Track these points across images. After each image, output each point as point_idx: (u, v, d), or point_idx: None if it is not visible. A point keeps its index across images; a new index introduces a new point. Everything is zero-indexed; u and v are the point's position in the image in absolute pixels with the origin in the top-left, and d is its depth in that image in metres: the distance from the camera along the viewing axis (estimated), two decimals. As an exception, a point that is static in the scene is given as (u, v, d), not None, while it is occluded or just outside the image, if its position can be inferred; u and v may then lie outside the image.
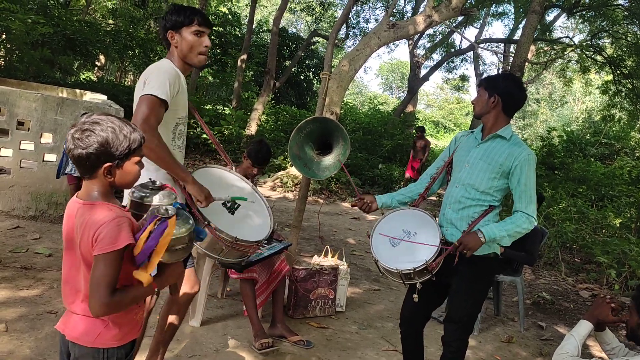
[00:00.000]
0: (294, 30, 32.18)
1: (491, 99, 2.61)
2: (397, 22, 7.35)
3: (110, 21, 17.80)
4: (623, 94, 13.80)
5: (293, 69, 18.45)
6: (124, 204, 2.38)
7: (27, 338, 2.95)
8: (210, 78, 20.51)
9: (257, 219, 2.75)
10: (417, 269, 2.48)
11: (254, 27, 17.92)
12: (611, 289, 5.92)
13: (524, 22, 10.16)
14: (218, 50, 19.28)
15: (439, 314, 4.28)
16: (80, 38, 12.79)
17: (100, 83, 15.49)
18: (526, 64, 11.43)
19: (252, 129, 12.95)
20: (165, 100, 2.27)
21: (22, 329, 3.04)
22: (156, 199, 1.65)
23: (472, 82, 26.65)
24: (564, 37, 19.14)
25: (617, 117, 15.47)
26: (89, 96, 8.60)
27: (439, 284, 2.61)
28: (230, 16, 20.28)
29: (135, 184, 1.69)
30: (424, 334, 2.88)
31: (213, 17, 19.33)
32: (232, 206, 2.69)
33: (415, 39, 19.72)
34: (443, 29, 19.49)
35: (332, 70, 5.36)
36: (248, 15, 15.87)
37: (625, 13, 13.52)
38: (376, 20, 20.74)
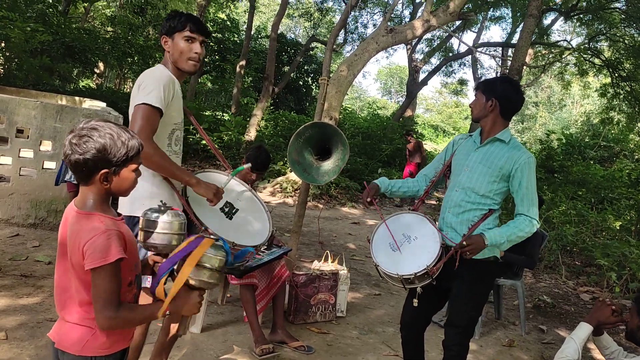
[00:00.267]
0: (293, 36, 32.27)
1: (489, 103, 2.62)
2: (395, 27, 7.37)
3: (109, 28, 17.85)
4: (621, 96, 13.84)
5: (292, 75, 18.48)
6: (124, 212, 2.39)
7: (27, 346, 2.94)
8: (209, 84, 20.56)
9: (256, 224, 2.74)
10: (418, 274, 2.48)
11: (252, 33, 17.98)
12: (612, 292, 5.91)
13: (521, 25, 10.20)
14: (217, 57, 19.33)
15: (439, 318, 4.26)
16: (79, 45, 12.83)
17: (99, 90, 15.53)
18: (524, 67, 11.46)
19: (251, 134, 12.97)
20: (160, 108, 2.28)
21: (22, 337, 3.03)
22: (165, 218, 1.70)
23: (471, 86, 26.66)
24: (562, 40, 19.21)
25: (615, 119, 15.50)
26: (88, 103, 8.62)
27: (439, 288, 2.61)
28: (228, 22, 20.35)
29: (146, 209, 1.74)
30: (424, 338, 2.88)
31: (211, 24, 19.39)
32: (229, 211, 2.68)
33: (413, 43, 19.78)
34: (441, 34, 19.55)
35: (331, 75, 5.37)
36: (246, 21, 15.93)
37: (623, 16, 13.56)
38: (374, 25, 20.81)
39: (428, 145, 23.56)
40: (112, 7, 20.29)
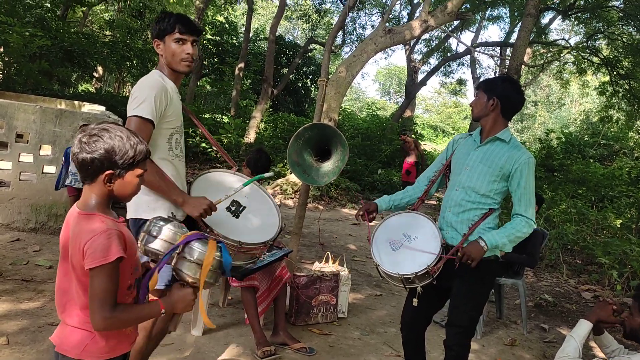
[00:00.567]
0: (291, 37, 32.27)
1: (490, 102, 2.62)
2: (393, 28, 7.37)
3: (108, 32, 17.87)
4: (620, 94, 13.84)
5: (291, 77, 18.50)
6: (129, 215, 2.40)
7: (28, 350, 2.94)
8: (208, 87, 20.57)
9: (265, 220, 2.73)
10: (418, 273, 2.48)
11: (250, 35, 17.99)
12: (613, 290, 5.91)
13: (519, 25, 10.21)
14: (215, 59, 19.35)
15: (441, 318, 4.26)
16: (78, 50, 12.85)
17: (98, 94, 15.54)
18: (523, 66, 11.45)
19: (250, 137, 12.97)
20: (151, 120, 2.30)
21: (23, 342, 3.03)
22: (168, 228, 1.72)
23: (470, 85, 26.67)
24: (560, 39, 19.22)
25: (614, 118, 15.50)
26: (88, 107, 8.62)
27: (439, 287, 2.61)
28: (227, 25, 20.36)
29: (153, 214, 1.78)
30: (426, 338, 2.88)
31: (210, 27, 19.41)
32: (236, 210, 2.67)
33: (411, 44, 19.80)
34: (439, 34, 19.56)
35: (330, 76, 5.37)
36: (245, 23, 15.94)
37: (621, 14, 13.57)
38: (372, 26, 20.85)
39: (427, 146, 23.57)
40: (110, 11, 20.30)
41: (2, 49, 11.39)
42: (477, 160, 2.63)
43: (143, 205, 2.36)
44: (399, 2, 18.05)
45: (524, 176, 2.52)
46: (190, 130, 11.44)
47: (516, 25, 18.29)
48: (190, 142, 11.40)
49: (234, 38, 20.67)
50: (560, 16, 15.93)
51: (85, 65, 13.92)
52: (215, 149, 11.56)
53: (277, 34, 16.79)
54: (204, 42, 18.34)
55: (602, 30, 14.63)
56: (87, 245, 1.47)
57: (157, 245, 1.72)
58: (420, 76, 20.92)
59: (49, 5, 13.80)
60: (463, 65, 23.61)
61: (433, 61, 22.64)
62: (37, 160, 5.27)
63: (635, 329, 2.13)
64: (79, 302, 1.55)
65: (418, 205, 2.87)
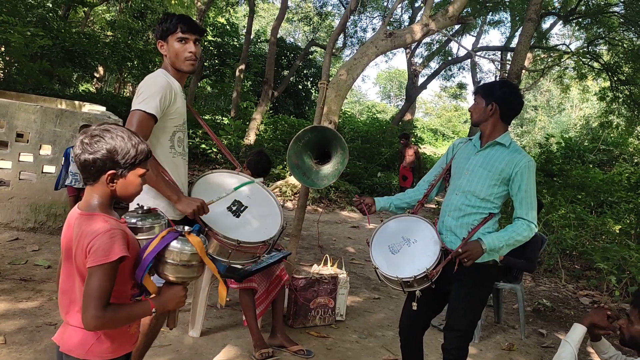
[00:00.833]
0: (292, 40, 32.33)
1: (488, 107, 2.62)
2: (394, 31, 7.39)
3: (109, 33, 17.89)
4: (620, 100, 13.86)
5: (291, 79, 18.52)
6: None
7: (26, 350, 2.94)
8: (208, 88, 20.59)
9: (266, 220, 2.74)
10: (417, 277, 2.48)
11: (252, 37, 18.01)
12: (611, 296, 5.91)
13: (520, 30, 10.23)
14: (216, 61, 19.37)
15: (439, 322, 4.27)
16: (79, 50, 12.86)
17: (99, 94, 15.55)
18: (523, 71, 11.46)
19: (250, 138, 12.98)
20: (154, 115, 2.31)
21: (21, 342, 3.03)
22: (147, 222, 1.69)
23: (470, 89, 26.69)
24: (561, 44, 19.25)
25: (614, 123, 15.51)
26: (88, 107, 8.63)
27: (438, 291, 2.61)
28: (228, 27, 20.40)
29: (129, 212, 1.74)
30: (424, 342, 2.87)
31: (211, 28, 19.42)
32: (237, 209, 2.68)
33: (412, 47, 19.83)
34: (440, 38, 19.59)
35: (330, 79, 5.38)
36: (246, 25, 15.96)
37: (622, 20, 13.59)
38: (373, 29, 20.87)
39: (427, 149, 23.58)
40: (111, 11, 20.33)
41: (3, 49, 11.40)
42: (477, 165, 2.63)
43: (144, 203, 2.38)
44: (400, 5, 18.08)
45: (525, 179, 2.53)
46: (190, 131, 11.44)
47: (517, 29, 18.33)
48: (191, 143, 11.41)
49: (235, 40, 20.69)
50: (561, 21, 15.97)
51: (86, 65, 13.94)
52: (215, 150, 11.57)
53: (278, 36, 16.82)
54: (205, 43, 18.36)
55: (603, 35, 14.66)
56: (90, 245, 1.48)
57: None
58: (421, 80, 20.96)
59: (50, 5, 13.84)
60: (464, 69, 23.67)
61: (434, 65, 22.70)
62: (37, 159, 5.27)
63: (634, 337, 2.12)
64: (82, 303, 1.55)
65: (417, 209, 2.87)
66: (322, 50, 20.50)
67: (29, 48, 10.88)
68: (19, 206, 5.20)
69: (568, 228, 7.63)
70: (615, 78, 13.91)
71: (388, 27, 7.69)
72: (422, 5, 16.75)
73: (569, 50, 16.23)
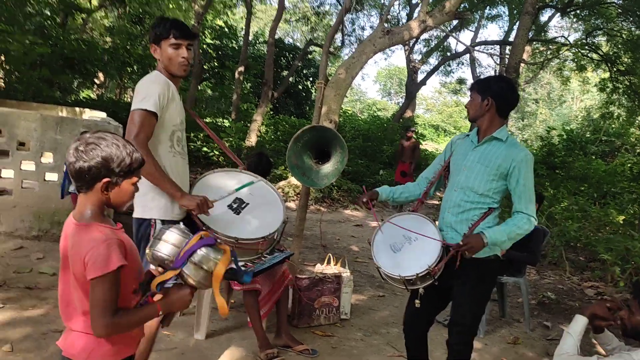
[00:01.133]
0: (291, 40, 32.29)
1: (484, 102, 2.63)
2: (392, 29, 7.38)
3: (108, 39, 17.91)
4: (621, 90, 13.81)
5: (291, 79, 18.50)
6: (135, 215, 2.45)
7: (33, 358, 2.96)
8: (209, 91, 20.58)
9: (267, 216, 2.75)
10: (420, 274, 2.49)
11: (250, 39, 18.01)
12: (616, 286, 5.90)
13: (518, 23, 10.21)
14: (216, 63, 19.36)
15: (443, 318, 4.26)
16: (79, 57, 12.88)
17: (100, 101, 15.57)
18: (523, 64, 11.44)
19: (252, 140, 12.99)
20: (155, 112, 2.34)
21: (27, 349, 3.05)
22: (175, 233, 1.70)
23: (470, 84, 26.64)
24: (559, 36, 19.19)
25: (615, 114, 15.47)
26: (88, 114, 8.66)
27: (441, 287, 2.62)
28: (226, 29, 20.38)
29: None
30: (429, 338, 2.88)
31: (209, 31, 19.42)
32: (238, 207, 2.70)
33: (411, 44, 19.81)
34: (438, 33, 19.58)
35: (330, 78, 5.39)
36: (244, 27, 15.97)
37: (619, 10, 13.55)
38: (371, 27, 20.87)
39: (429, 145, 23.55)
40: (110, 17, 20.35)
41: (3, 58, 11.44)
42: (474, 161, 2.64)
43: (143, 204, 2.45)
44: (397, 2, 18.08)
45: (523, 173, 2.53)
46: (192, 134, 11.46)
47: (515, 23, 18.28)
48: (192, 146, 11.43)
49: (234, 42, 20.68)
50: (558, 14, 15.92)
51: (86, 72, 13.95)
52: (217, 152, 11.59)
53: (277, 37, 16.81)
54: (204, 46, 18.37)
55: (601, 26, 14.60)
56: (87, 256, 1.49)
57: (164, 249, 1.72)
58: (420, 76, 20.94)
59: (48, 13, 13.85)
60: (463, 64, 23.65)
61: (433, 61, 22.68)
62: (39, 167, 5.29)
63: (635, 327, 2.13)
64: (82, 308, 1.57)
65: (418, 207, 2.89)
66: (321, 49, 20.47)
67: (28, 56, 10.90)
68: (23, 214, 5.22)
69: (571, 220, 7.62)
70: (614, 69, 13.87)
71: (385, 25, 7.68)
72: (419, 1, 16.74)
73: (568, 43, 16.19)
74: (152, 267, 1.85)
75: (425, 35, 18.97)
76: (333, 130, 3.67)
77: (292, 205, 9.43)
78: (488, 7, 18.42)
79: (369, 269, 5.90)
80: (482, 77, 18.08)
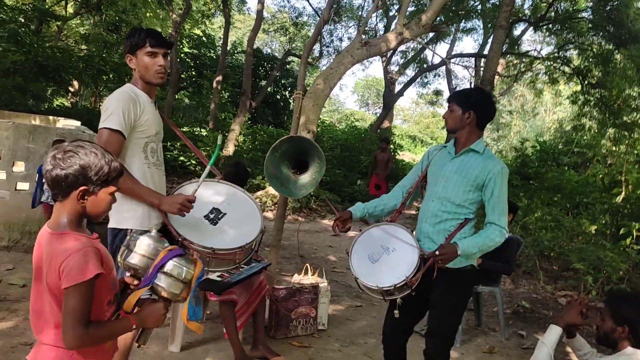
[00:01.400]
0: (269, 50, 32.34)
1: (466, 115, 2.66)
2: (369, 40, 7.44)
3: (83, 46, 17.67)
4: (592, 103, 14.12)
5: (269, 89, 18.51)
6: (110, 225, 2.42)
7: (1, 372, 2.87)
8: (186, 100, 20.46)
9: (244, 226, 2.74)
10: (397, 285, 2.50)
11: (228, 48, 17.99)
12: (588, 295, 6.01)
13: (492, 37, 10.40)
14: (193, 73, 19.27)
15: (421, 328, 4.28)
16: (53, 64, 12.67)
17: (74, 109, 15.33)
18: (497, 77, 11.63)
19: (229, 149, 12.93)
20: (119, 130, 2.35)
21: (-4, 363, 2.96)
22: (148, 242, 1.69)
23: (446, 96, 27.02)
24: (532, 50, 19.64)
25: (587, 126, 15.81)
26: (62, 123, 8.50)
27: (419, 298, 2.63)
28: (204, 38, 20.32)
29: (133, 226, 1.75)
30: (407, 348, 2.89)
31: (187, 40, 19.33)
32: (215, 217, 2.68)
33: (388, 55, 20.00)
34: (415, 45, 19.82)
35: (308, 89, 5.42)
36: (222, 37, 15.95)
37: (590, 25, 13.91)
38: (349, 38, 21.00)
39: (406, 156, 23.74)
40: (85, 25, 20.10)
41: (-26, 65, 11.19)
42: (452, 171, 2.67)
43: (118, 214, 2.43)
44: (374, 14, 18.27)
45: (498, 185, 2.58)
46: (168, 143, 11.35)
47: (489, 36, 18.62)
48: (169, 155, 11.32)
49: (212, 51, 20.62)
50: (531, 28, 16.28)
51: (60, 79, 13.72)
52: (195, 161, 11.50)
53: (255, 46, 16.83)
54: (182, 55, 18.27)
55: (573, 40, 14.96)
56: (63, 265, 1.46)
57: (135, 260, 1.70)
58: (398, 87, 21.13)
59: (22, 20, 13.62)
60: (439, 76, 23.92)
61: (410, 72, 22.90)
62: (10, 176, 5.17)
63: (607, 333, 2.18)
64: (54, 321, 1.53)
65: (396, 218, 2.90)
66: (299, 60, 20.55)
67: (1, 64, 10.69)
68: (-7, 224, 5.09)
69: (545, 230, 7.75)
70: (586, 82, 14.19)
71: (363, 36, 7.75)
72: (396, 14, 16.97)
73: (540, 56, 16.55)
74: (127, 274, 1.83)
75: (402, 47, 19.19)
76: (311, 140, 3.68)
77: (269, 215, 9.39)
78: (463, 21, 18.72)
79: (347, 278, 5.90)
80: (458, 88, 18.35)
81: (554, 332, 2.21)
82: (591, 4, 13.63)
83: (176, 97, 17.95)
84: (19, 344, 3.22)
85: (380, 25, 20.62)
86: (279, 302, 3.89)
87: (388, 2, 17.79)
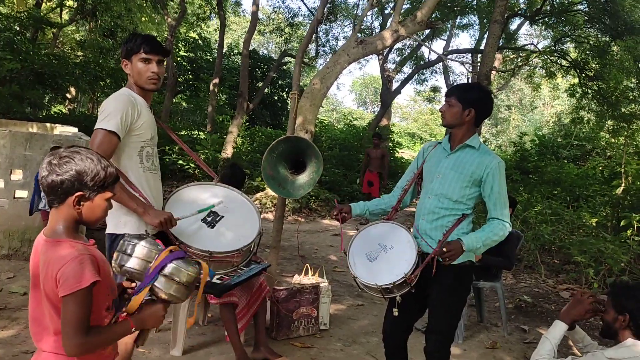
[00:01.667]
0: (265, 51, 32.36)
1: (466, 112, 2.64)
2: (365, 39, 7.44)
3: (79, 53, 17.67)
4: (590, 95, 14.12)
5: (266, 90, 18.52)
6: (107, 231, 2.42)
7: (3, 381, 2.87)
8: (184, 104, 20.46)
9: (241, 228, 2.74)
10: (396, 283, 2.50)
11: (224, 51, 17.98)
12: (590, 288, 6.00)
13: (488, 32, 10.40)
14: (190, 76, 19.29)
15: (422, 325, 4.28)
16: (49, 71, 12.67)
17: (72, 115, 15.33)
18: (494, 72, 11.61)
19: (228, 152, 12.92)
20: (115, 132, 2.34)
21: (-3, 372, 2.96)
22: (142, 245, 1.69)
23: (444, 92, 26.97)
24: (529, 44, 19.60)
25: (585, 118, 15.80)
26: (59, 129, 8.50)
27: (418, 295, 2.63)
28: (200, 41, 20.33)
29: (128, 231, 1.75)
30: (408, 345, 2.89)
31: (183, 44, 19.34)
32: (212, 220, 2.68)
33: (385, 53, 19.99)
34: (411, 43, 19.80)
35: (305, 89, 5.43)
36: (218, 39, 15.95)
37: (586, 18, 13.90)
38: (345, 37, 21.00)
39: (406, 153, 23.73)
40: (81, 31, 20.11)
41: (-30, 74, 11.19)
42: (448, 168, 2.66)
43: (115, 219, 2.43)
44: (370, 13, 18.26)
45: (497, 180, 2.57)
46: (167, 147, 11.35)
47: (485, 32, 18.60)
48: (167, 159, 11.32)
49: (208, 54, 20.62)
50: (527, 22, 16.27)
51: (57, 86, 13.73)
52: (193, 165, 11.50)
53: (251, 48, 16.81)
54: (178, 59, 18.28)
55: (569, 33, 14.96)
56: (59, 273, 1.46)
57: (132, 263, 1.70)
58: (395, 85, 21.11)
59: (18, 28, 13.62)
60: (436, 72, 24.03)
61: (407, 70, 22.87)
62: (8, 185, 5.17)
63: (609, 323, 2.18)
64: (53, 328, 1.53)
65: (392, 215, 2.90)
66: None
67: (-3, 72, 10.70)
68: (-8, 233, 5.09)
69: (545, 224, 7.74)
70: (583, 74, 14.19)
71: (359, 35, 7.75)
72: (391, 12, 16.95)
73: (537, 50, 16.54)
74: (123, 279, 1.83)
75: (398, 45, 19.18)
76: (307, 140, 3.68)
77: (269, 216, 9.39)
78: (459, 17, 18.73)
79: (348, 278, 5.89)
80: (455, 84, 18.32)
81: (558, 328, 2.21)
82: (586, -4, 13.62)
83: (174, 100, 17.94)
84: (20, 352, 3.22)
85: (376, 24, 20.61)
86: (280, 303, 3.89)
87: (383, 0, 17.79)
